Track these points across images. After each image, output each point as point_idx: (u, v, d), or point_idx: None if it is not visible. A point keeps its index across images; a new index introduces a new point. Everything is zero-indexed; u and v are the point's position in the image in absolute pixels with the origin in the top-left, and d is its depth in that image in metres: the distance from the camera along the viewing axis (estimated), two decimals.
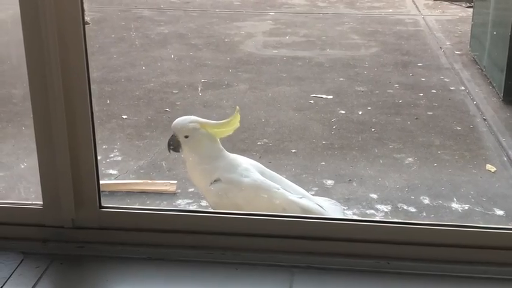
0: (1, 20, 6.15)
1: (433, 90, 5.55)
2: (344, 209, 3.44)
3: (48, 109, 1.74)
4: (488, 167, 4.13)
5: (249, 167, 2.92)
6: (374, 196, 3.74)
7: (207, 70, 6.03)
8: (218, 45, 6.85)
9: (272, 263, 1.73)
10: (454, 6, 8.72)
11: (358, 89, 5.54)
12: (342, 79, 5.80)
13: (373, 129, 4.70)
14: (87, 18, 1.83)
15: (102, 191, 1.84)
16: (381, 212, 3.57)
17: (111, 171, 3.94)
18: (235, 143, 4.33)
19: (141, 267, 1.75)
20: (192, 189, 3.77)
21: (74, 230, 1.82)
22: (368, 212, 3.58)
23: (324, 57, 6.43)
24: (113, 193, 3.62)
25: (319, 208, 2.89)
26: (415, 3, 8.93)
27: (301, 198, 2.90)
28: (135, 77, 5.79)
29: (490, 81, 5.66)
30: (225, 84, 5.64)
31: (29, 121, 1.86)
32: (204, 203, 3.59)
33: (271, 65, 6.19)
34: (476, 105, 5.20)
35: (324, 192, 3.71)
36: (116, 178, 3.84)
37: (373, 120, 4.87)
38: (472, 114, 5.05)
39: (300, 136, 4.59)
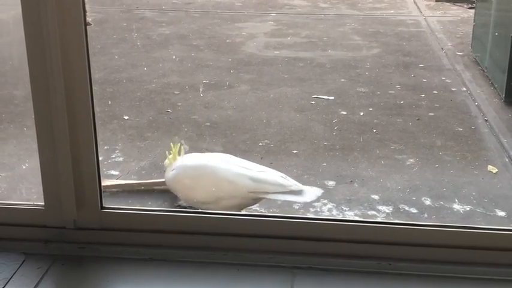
0: (3, 21, 6.15)
1: (434, 91, 5.54)
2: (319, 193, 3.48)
3: (50, 110, 1.74)
4: (490, 168, 4.12)
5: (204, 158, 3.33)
6: (375, 197, 3.73)
7: (208, 71, 6.02)
8: (219, 46, 6.85)
9: (273, 264, 1.73)
10: (456, 7, 8.70)
11: (360, 90, 5.54)
12: (343, 80, 5.80)
13: (374, 130, 4.69)
14: (88, 19, 1.83)
15: (104, 191, 1.85)
16: (382, 213, 3.57)
17: (113, 172, 3.94)
18: (237, 144, 4.33)
19: (142, 268, 1.75)
20: None
21: (76, 230, 1.83)
22: (369, 213, 3.57)
23: (326, 58, 6.42)
24: (114, 194, 3.61)
25: (278, 179, 3.00)
26: (416, 4, 8.91)
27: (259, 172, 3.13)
28: (137, 77, 5.79)
29: (491, 82, 5.65)
30: (226, 85, 5.64)
31: (31, 122, 1.86)
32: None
33: (273, 66, 6.19)
34: (478, 106, 5.19)
35: (325, 193, 3.71)
36: (117, 179, 3.84)
37: (375, 121, 4.87)
38: (473, 115, 5.04)
39: (302, 137, 4.58)
